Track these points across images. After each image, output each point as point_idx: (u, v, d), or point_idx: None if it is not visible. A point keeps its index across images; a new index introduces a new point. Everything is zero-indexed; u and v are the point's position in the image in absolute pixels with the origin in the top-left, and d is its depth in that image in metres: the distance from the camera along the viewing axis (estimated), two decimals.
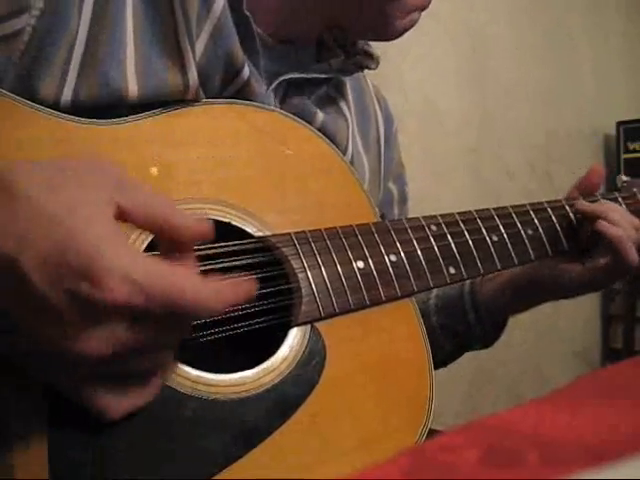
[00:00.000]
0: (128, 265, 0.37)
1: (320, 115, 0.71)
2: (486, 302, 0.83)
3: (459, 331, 0.85)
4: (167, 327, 0.41)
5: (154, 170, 0.54)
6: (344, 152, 0.74)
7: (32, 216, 0.37)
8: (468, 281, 0.84)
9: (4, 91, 0.49)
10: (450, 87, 2.03)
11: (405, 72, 1.86)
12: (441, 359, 0.88)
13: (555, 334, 2.38)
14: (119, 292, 0.37)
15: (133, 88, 0.54)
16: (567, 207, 0.79)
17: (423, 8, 0.69)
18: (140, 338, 0.40)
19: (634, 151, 2.50)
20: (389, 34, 0.70)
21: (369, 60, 0.74)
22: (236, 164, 0.59)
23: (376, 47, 0.75)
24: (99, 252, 0.37)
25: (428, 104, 1.94)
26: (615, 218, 0.75)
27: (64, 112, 0.51)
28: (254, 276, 0.55)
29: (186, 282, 0.40)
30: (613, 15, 2.73)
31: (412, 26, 0.69)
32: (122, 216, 0.40)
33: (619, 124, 2.53)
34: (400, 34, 0.70)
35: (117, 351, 0.39)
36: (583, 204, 0.79)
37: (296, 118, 0.65)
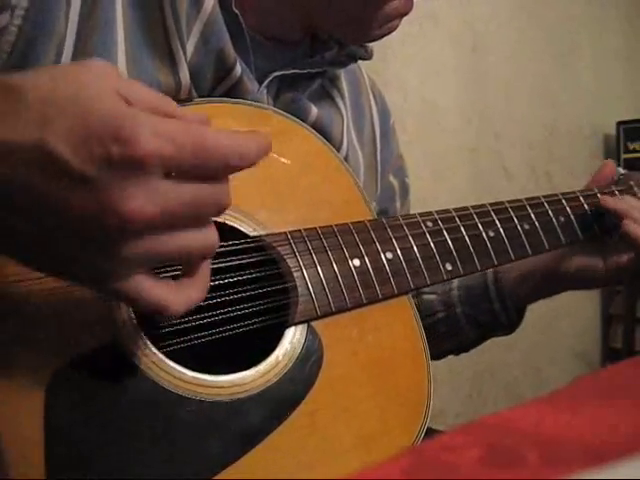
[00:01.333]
0: (151, 122, 0.37)
1: (314, 110, 0.70)
2: (511, 291, 0.84)
3: (484, 320, 0.86)
4: (204, 181, 0.39)
5: None
6: (339, 146, 0.74)
7: (45, 100, 0.36)
8: (490, 270, 0.85)
9: None
10: (449, 86, 2.03)
11: (404, 71, 1.86)
12: (465, 346, 0.90)
13: (555, 334, 2.38)
14: (149, 145, 0.36)
15: None
16: (564, 201, 0.80)
17: (403, 15, 0.68)
18: (182, 194, 0.38)
19: (634, 151, 2.49)
20: (368, 40, 0.70)
21: (362, 51, 0.73)
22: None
23: (376, 48, 0.75)
24: (122, 114, 0.36)
25: (427, 103, 1.94)
26: (636, 215, 0.77)
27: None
28: (250, 276, 0.56)
29: (215, 132, 0.39)
30: (613, 15, 2.73)
31: (391, 32, 0.69)
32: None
33: (619, 124, 2.53)
34: (379, 39, 0.69)
35: (163, 210, 0.37)
36: (608, 200, 0.81)
37: (289, 116, 0.65)
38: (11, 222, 0.37)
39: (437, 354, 0.90)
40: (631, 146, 2.50)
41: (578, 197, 0.81)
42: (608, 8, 2.69)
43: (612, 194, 0.84)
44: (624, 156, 2.52)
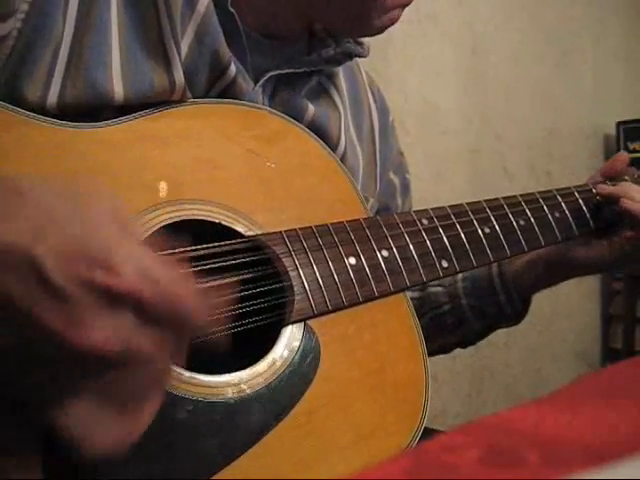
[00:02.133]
0: (143, 259, 0.38)
1: (311, 109, 0.70)
2: (515, 281, 0.84)
3: (490, 312, 0.86)
4: (170, 331, 0.40)
5: (146, 174, 0.54)
6: (337, 144, 0.73)
7: (45, 214, 0.38)
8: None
9: None
10: (450, 87, 2.03)
11: (405, 72, 1.86)
12: (471, 338, 0.90)
13: (555, 334, 2.38)
14: (132, 281, 0.37)
15: (119, 90, 0.54)
16: (558, 197, 0.80)
17: (404, 5, 0.68)
18: (145, 338, 0.39)
19: (634, 151, 2.49)
20: (368, 32, 0.70)
21: (359, 48, 0.73)
22: (224, 164, 0.59)
23: (377, 48, 0.75)
24: (114, 244, 0.38)
25: (428, 104, 1.94)
26: (636, 196, 0.78)
27: (50, 115, 0.51)
28: (246, 275, 0.56)
29: (193, 289, 0.41)
30: (613, 16, 2.73)
31: (392, 24, 0.68)
32: None
33: (619, 124, 2.53)
34: (380, 31, 0.69)
35: (122, 348, 0.38)
36: (603, 187, 0.82)
37: (285, 116, 0.64)
38: None
39: (444, 347, 0.90)
40: (631, 146, 2.50)
41: (573, 192, 0.81)
42: (608, 9, 2.69)
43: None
44: None
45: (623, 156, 0.88)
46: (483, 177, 2.12)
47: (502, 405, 2.09)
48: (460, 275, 0.87)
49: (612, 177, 0.85)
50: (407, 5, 0.68)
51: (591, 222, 0.81)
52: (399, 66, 1.83)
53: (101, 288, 0.36)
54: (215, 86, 0.62)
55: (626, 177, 0.87)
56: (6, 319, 0.37)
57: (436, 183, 1.95)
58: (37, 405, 0.40)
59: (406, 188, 0.90)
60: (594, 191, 0.82)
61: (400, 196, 0.88)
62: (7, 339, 0.37)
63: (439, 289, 0.88)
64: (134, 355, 0.39)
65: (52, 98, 0.52)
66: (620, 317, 2.52)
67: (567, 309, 2.41)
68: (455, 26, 2.04)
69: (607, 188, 0.82)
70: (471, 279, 0.87)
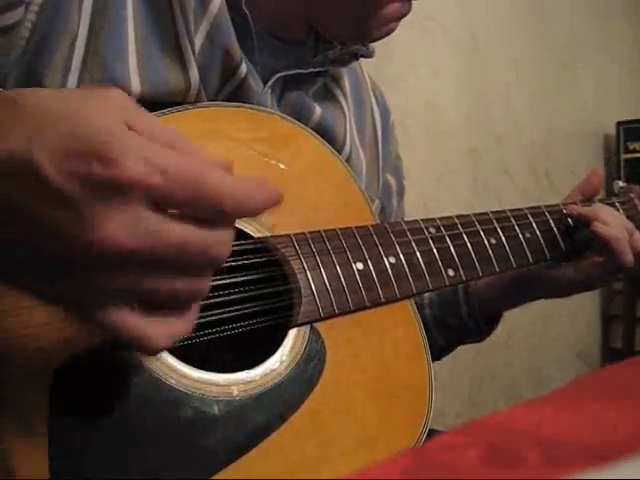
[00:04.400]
0: (143, 148, 0.35)
1: (318, 110, 0.71)
2: (479, 297, 0.83)
3: (452, 325, 0.85)
4: (198, 224, 0.36)
5: None
6: (342, 146, 0.74)
7: (43, 113, 0.35)
8: None
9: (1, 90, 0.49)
10: (450, 88, 2.03)
11: (405, 73, 1.87)
12: (435, 353, 0.88)
13: (555, 334, 2.38)
14: (134, 169, 0.33)
15: (136, 86, 0.54)
16: (564, 210, 0.80)
17: (401, 17, 0.68)
18: (169, 233, 0.35)
19: (634, 151, 2.50)
20: (366, 41, 0.71)
21: (364, 49, 0.73)
22: (235, 166, 0.59)
23: (378, 49, 0.75)
24: (111, 134, 0.34)
25: (428, 105, 1.94)
26: (608, 219, 0.76)
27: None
28: (254, 276, 0.56)
29: (210, 168, 0.36)
30: (613, 15, 2.73)
31: (389, 34, 0.69)
32: None
33: (619, 124, 2.53)
34: (376, 40, 0.70)
35: (143, 245, 0.34)
36: (574, 207, 0.79)
37: (294, 120, 0.65)
38: None
39: None
40: (631, 146, 2.50)
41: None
42: (608, 9, 2.69)
43: (612, 206, 0.84)
44: (624, 156, 2.52)
45: (597, 172, 0.86)
46: (483, 177, 2.12)
47: (502, 405, 2.09)
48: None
49: (587, 198, 0.84)
50: (404, 16, 0.68)
51: (562, 244, 0.78)
52: (400, 66, 1.83)
53: (103, 182, 0.33)
54: (226, 85, 0.62)
55: (632, 194, 0.87)
56: (21, 229, 0.35)
57: (436, 183, 1.95)
58: (83, 312, 0.37)
59: (401, 191, 0.90)
60: (564, 212, 0.80)
61: (396, 197, 0.89)
62: (28, 249, 0.35)
63: None
64: (160, 255, 0.35)
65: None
66: (620, 317, 2.53)
67: (567, 309, 2.41)
68: (456, 27, 2.04)
69: (577, 209, 0.79)
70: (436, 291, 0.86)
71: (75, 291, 0.36)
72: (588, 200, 0.83)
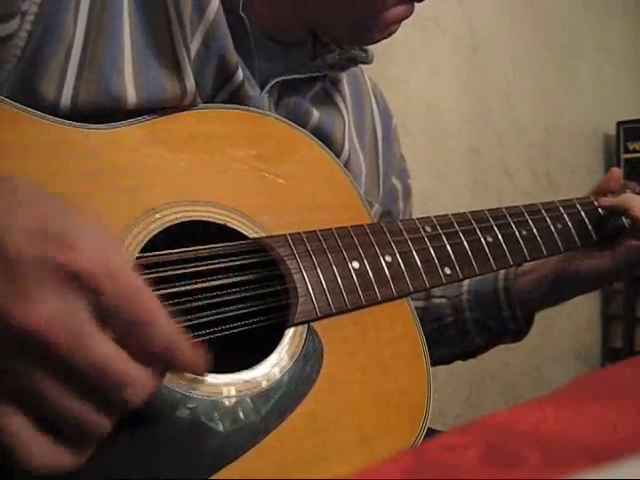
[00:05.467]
0: (107, 251, 0.36)
1: (316, 114, 0.71)
2: (521, 298, 0.84)
3: (493, 327, 0.85)
4: (125, 342, 0.36)
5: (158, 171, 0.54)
6: (340, 149, 0.74)
7: (26, 199, 0.37)
8: (501, 277, 0.85)
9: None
10: (450, 88, 2.03)
11: (406, 73, 1.87)
12: (472, 352, 0.90)
13: (555, 334, 2.38)
14: (89, 263, 0.35)
15: (132, 95, 0.54)
16: (561, 208, 0.80)
17: (403, 19, 0.69)
18: (96, 341, 0.35)
19: (634, 151, 2.50)
20: (367, 44, 0.71)
21: (363, 54, 0.73)
22: (231, 168, 0.59)
23: (378, 50, 0.76)
24: (82, 229, 0.36)
25: (429, 105, 1.94)
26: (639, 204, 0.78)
27: (63, 116, 0.52)
28: (250, 276, 0.56)
29: (155, 300, 0.38)
30: (613, 15, 2.73)
31: (390, 36, 0.69)
32: None
33: (619, 124, 2.53)
34: (377, 42, 0.70)
35: (67, 339, 0.34)
36: (605, 199, 0.82)
37: (291, 123, 0.65)
38: None
39: (444, 358, 0.90)
40: (631, 146, 2.50)
41: (575, 204, 0.81)
42: (608, 9, 2.69)
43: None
44: (624, 156, 2.52)
45: (617, 172, 0.87)
46: (483, 177, 2.12)
47: (502, 405, 2.09)
48: (465, 288, 0.87)
49: (612, 190, 0.86)
50: (406, 19, 0.69)
51: (593, 234, 0.80)
52: (400, 67, 1.83)
53: (53, 263, 0.35)
54: (222, 91, 0.62)
55: (628, 190, 0.88)
56: None
57: (436, 183, 1.95)
58: None
59: (408, 193, 0.90)
60: (595, 203, 0.82)
61: (402, 200, 0.89)
62: None
63: (443, 301, 0.88)
64: (78, 357, 0.35)
65: (65, 100, 0.52)
66: (620, 317, 2.53)
67: (567, 309, 2.41)
68: (456, 27, 2.04)
69: (609, 200, 0.82)
70: (476, 293, 0.86)
71: None
72: (587, 198, 0.84)
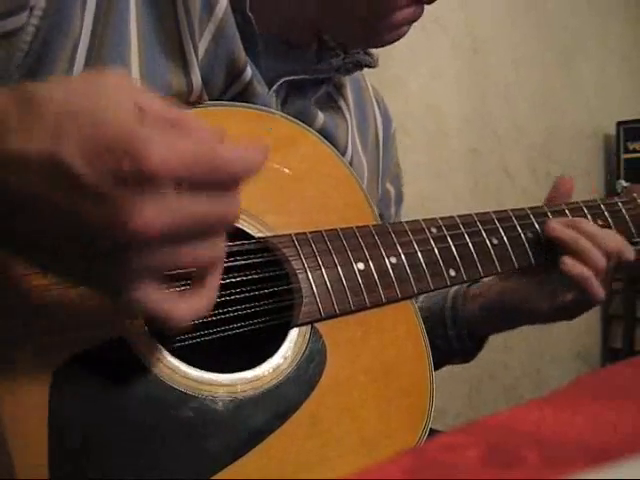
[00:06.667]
0: (164, 139, 0.37)
1: (321, 116, 0.71)
2: (467, 320, 0.83)
3: (439, 345, 0.84)
4: (214, 194, 0.40)
5: None
6: (344, 153, 0.74)
7: (60, 112, 0.37)
8: (450, 297, 0.84)
9: None
10: (450, 88, 2.03)
11: (406, 74, 1.87)
12: None
13: (555, 335, 2.38)
14: (159, 162, 0.36)
15: None
16: (567, 211, 0.79)
17: (413, 21, 0.68)
18: (192, 208, 0.38)
19: (634, 151, 2.50)
20: (377, 46, 0.71)
21: (368, 58, 0.74)
22: None
23: (377, 50, 0.76)
24: (135, 129, 0.37)
25: (429, 105, 1.94)
26: (583, 247, 0.72)
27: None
28: (255, 276, 0.56)
29: (224, 147, 0.40)
30: (613, 15, 2.73)
31: (400, 38, 0.69)
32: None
33: (619, 124, 2.53)
34: (387, 45, 0.70)
35: (172, 223, 0.37)
36: (551, 228, 0.74)
37: (297, 121, 0.65)
38: (25, 230, 0.38)
39: None
40: (631, 146, 2.50)
41: (581, 207, 0.78)
42: (608, 9, 2.69)
43: (615, 205, 0.82)
44: (624, 156, 2.52)
45: (567, 180, 0.81)
46: (483, 177, 2.12)
47: (502, 405, 2.09)
48: (418, 303, 0.85)
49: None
50: (415, 20, 0.68)
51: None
52: (400, 68, 1.83)
53: (132, 176, 0.36)
54: (230, 89, 0.62)
55: (634, 194, 0.84)
56: (55, 227, 0.37)
57: (437, 183, 1.95)
58: (111, 294, 0.41)
59: (400, 199, 0.90)
60: (538, 229, 0.75)
61: (394, 206, 0.89)
62: (63, 244, 0.38)
63: None
64: (186, 229, 0.38)
65: None
66: (620, 317, 2.53)
67: None
68: (456, 28, 2.04)
69: (557, 230, 0.73)
70: (426, 309, 0.86)
71: (105, 273, 0.39)
72: (593, 201, 0.80)
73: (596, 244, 0.72)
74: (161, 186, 0.37)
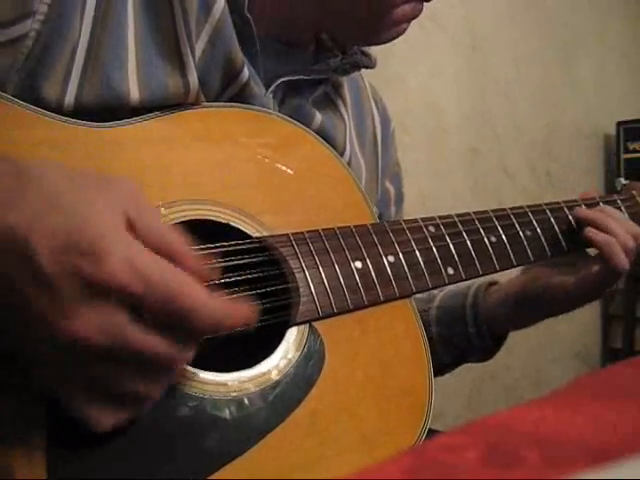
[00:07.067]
0: (133, 253, 0.38)
1: (318, 117, 0.71)
2: (487, 317, 0.83)
3: (459, 343, 0.84)
4: (167, 331, 0.40)
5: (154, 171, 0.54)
6: (342, 153, 0.74)
7: (47, 199, 0.38)
8: (470, 294, 0.84)
9: (5, 95, 0.49)
10: (450, 87, 2.03)
11: (405, 72, 1.87)
12: (438, 369, 0.88)
13: (555, 334, 2.38)
14: (119, 273, 0.37)
15: (135, 92, 0.55)
16: (566, 209, 0.79)
17: (412, 19, 0.68)
18: (137, 335, 0.39)
19: (634, 151, 2.50)
20: (376, 43, 0.71)
21: (366, 59, 0.73)
22: (234, 166, 0.59)
23: (377, 48, 0.75)
24: (106, 236, 0.37)
25: (428, 104, 1.94)
26: (610, 224, 0.75)
27: (67, 114, 0.52)
28: (253, 275, 0.56)
29: (191, 284, 0.40)
30: (613, 15, 2.73)
31: (399, 36, 0.69)
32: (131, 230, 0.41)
33: (619, 124, 2.53)
34: (387, 42, 0.70)
35: (115, 344, 0.38)
36: (580, 210, 0.79)
37: (295, 122, 0.65)
38: None
39: None
40: (631, 146, 2.50)
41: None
42: (608, 9, 2.69)
43: (614, 203, 0.83)
44: (624, 156, 2.52)
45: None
46: (483, 177, 2.12)
47: (502, 405, 2.09)
48: (436, 303, 0.86)
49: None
50: (415, 18, 0.68)
51: (563, 242, 0.77)
52: (399, 65, 1.83)
53: (87, 278, 0.37)
54: (227, 90, 0.62)
55: (634, 191, 0.85)
56: (6, 302, 0.38)
57: (436, 183, 1.95)
58: (41, 384, 0.41)
59: (400, 199, 0.90)
60: (568, 214, 0.79)
61: (394, 205, 0.89)
62: (9, 321, 0.38)
63: None
64: (124, 356, 0.39)
65: (69, 98, 0.52)
66: (620, 317, 2.53)
67: None
68: (455, 26, 2.04)
69: (582, 211, 0.79)
70: (444, 308, 0.85)
71: (38, 363, 0.40)
72: (592, 199, 0.82)
73: (621, 224, 0.76)
74: (112, 300, 0.37)
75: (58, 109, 0.52)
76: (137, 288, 0.37)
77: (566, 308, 0.81)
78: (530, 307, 0.81)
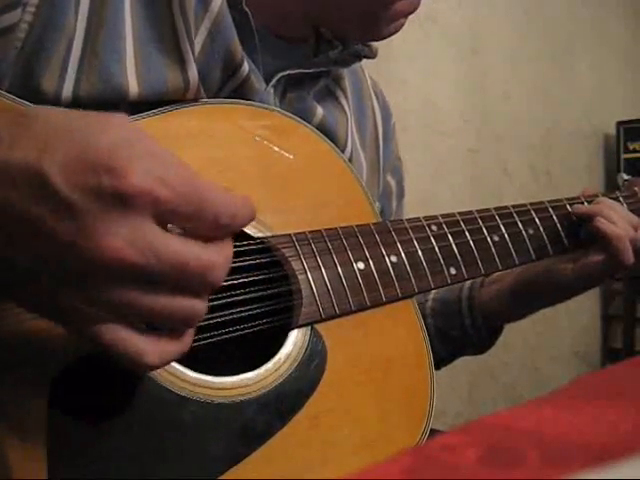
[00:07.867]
0: (149, 159, 0.36)
1: (320, 111, 0.71)
2: (483, 309, 0.83)
3: (454, 336, 0.84)
4: (196, 236, 0.38)
5: None
6: (344, 147, 0.73)
7: (52, 130, 0.37)
8: (466, 286, 0.84)
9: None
10: (449, 87, 2.03)
11: (405, 72, 1.87)
12: (434, 363, 0.88)
13: (555, 334, 2.38)
14: (142, 181, 0.35)
15: (134, 85, 0.54)
16: (568, 206, 0.79)
17: (409, 13, 0.68)
18: (170, 248, 0.36)
19: (634, 151, 2.50)
20: (374, 39, 0.71)
21: (367, 49, 0.73)
22: (234, 165, 0.59)
23: (377, 47, 0.75)
24: (118, 148, 0.36)
25: (428, 104, 1.94)
26: (612, 216, 0.75)
27: (65, 108, 0.51)
28: (255, 277, 0.56)
29: (213, 188, 0.38)
30: (613, 15, 2.73)
31: (397, 32, 0.69)
32: None
33: (619, 124, 2.53)
34: (385, 38, 0.70)
35: (150, 261, 0.35)
36: (579, 207, 0.79)
37: (295, 117, 0.65)
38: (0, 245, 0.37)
39: None
40: (631, 146, 2.50)
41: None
42: (608, 9, 2.69)
43: (616, 199, 0.83)
44: (624, 156, 2.52)
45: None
46: (483, 177, 2.12)
47: (502, 405, 2.09)
48: (431, 295, 0.86)
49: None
50: (413, 12, 0.68)
51: (565, 240, 0.77)
52: (399, 66, 1.83)
53: (111, 194, 0.35)
54: (227, 84, 0.62)
55: (636, 188, 0.86)
56: (27, 241, 0.36)
57: (436, 183, 1.95)
58: (76, 325, 0.38)
59: (401, 193, 0.90)
60: (570, 209, 0.79)
61: (395, 199, 0.88)
62: (29, 261, 0.36)
63: None
64: (160, 272, 0.36)
65: (67, 92, 0.52)
66: (620, 317, 2.53)
67: (566, 309, 2.41)
68: (455, 26, 2.04)
69: (582, 207, 0.79)
70: (440, 300, 0.85)
71: (71, 303, 0.37)
72: (594, 196, 0.83)
73: (622, 215, 0.77)
74: (139, 211, 0.35)
75: (56, 103, 0.51)
76: (162, 192, 0.35)
77: (563, 296, 0.81)
78: (526, 296, 0.81)
